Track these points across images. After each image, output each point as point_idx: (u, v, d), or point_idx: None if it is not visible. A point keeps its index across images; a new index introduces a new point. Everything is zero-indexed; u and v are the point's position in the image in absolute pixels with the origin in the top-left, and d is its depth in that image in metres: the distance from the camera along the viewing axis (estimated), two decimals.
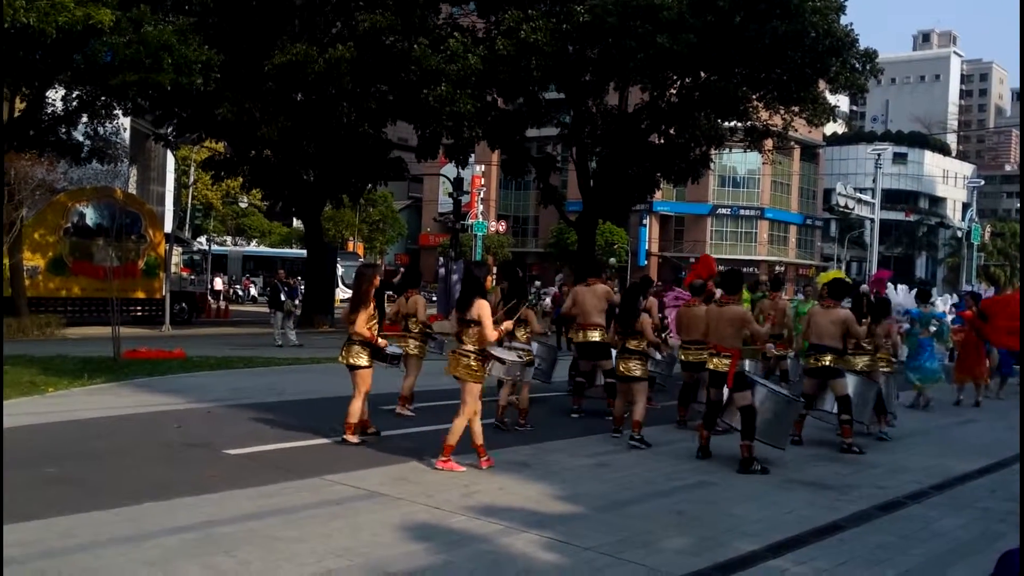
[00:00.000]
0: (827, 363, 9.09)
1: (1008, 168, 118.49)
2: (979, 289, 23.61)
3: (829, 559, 5.37)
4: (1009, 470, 8.81)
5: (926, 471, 8.34)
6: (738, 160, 58.61)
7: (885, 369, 10.47)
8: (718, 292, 10.03)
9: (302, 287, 23.91)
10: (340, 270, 44.76)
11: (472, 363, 7.22)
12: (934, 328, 12.79)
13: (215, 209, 56.14)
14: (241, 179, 29.02)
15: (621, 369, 8.93)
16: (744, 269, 59.06)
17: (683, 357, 10.07)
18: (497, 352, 7.69)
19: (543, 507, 6.14)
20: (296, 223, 54.73)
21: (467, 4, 27.16)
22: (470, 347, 7.26)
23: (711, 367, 8.31)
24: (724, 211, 64.37)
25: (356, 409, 8.14)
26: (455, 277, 29.39)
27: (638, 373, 8.84)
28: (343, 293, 43.83)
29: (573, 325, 10.93)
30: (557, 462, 7.71)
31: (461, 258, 31.54)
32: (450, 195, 34.83)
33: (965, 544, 5.90)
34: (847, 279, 14.68)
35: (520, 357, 8.42)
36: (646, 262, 61.78)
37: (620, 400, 9.17)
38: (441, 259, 31.29)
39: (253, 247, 56.96)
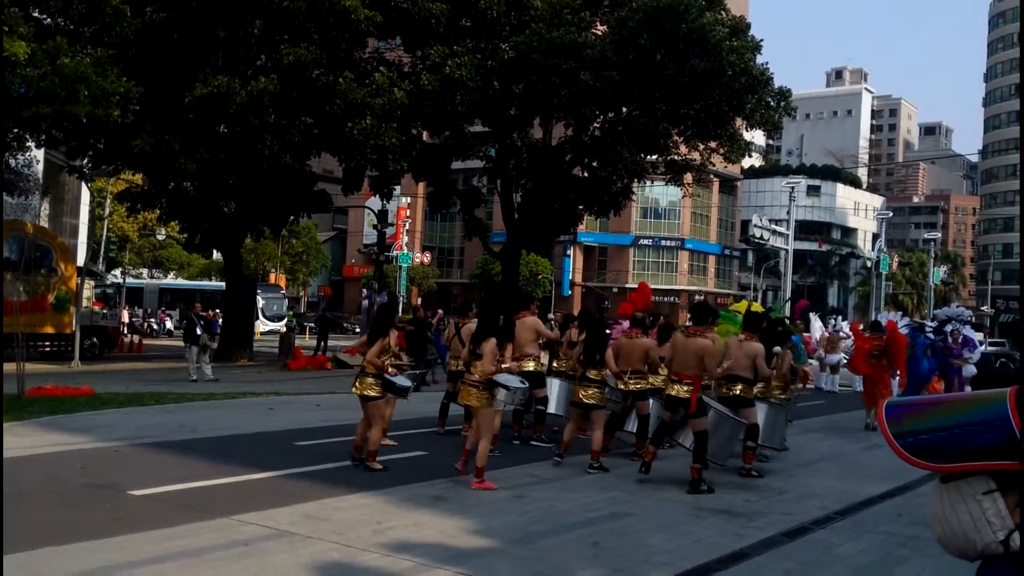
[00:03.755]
0: (737, 392, 9.36)
1: (916, 200, 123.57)
2: (887, 316, 24.50)
3: None
4: (914, 494, 9.12)
5: (832, 496, 8.58)
6: (660, 192, 59.87)
7: (781, 396, 10.82)
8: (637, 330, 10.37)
9: (220, 320, 23.42)
10: (261, 302, 44.02)
11: (481, 392, 8.21)
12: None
13: (131, 241, 54.69)
14: (158, 211, 28.39)
15: (580, 396, 9.26)
16: (664, 299, 60.19)
17: (620, 386, 10.21)
18: (501, 379, 8.35)
19: (457, 542, 6.12)
20: (216, 255, 53.75)
21: (393, 39, 27.26)
22: (477, 377, 8.18)
23: (671, 393, 8.73)
24: (646, 242, 65.53)
25: (376, 438, 8.64)
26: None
27: (595, 401, 9.21)
28: (264, 326, 43.13)
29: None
30: (473, 495, 7.69)
31: (384, 290, 31.34)
32: (374, 227, 34.65)
33: (865, 568, 6.08)
34: (759, 308, 15.13)
35: (522, 383, 8.93)
36: (570, 292, 62.37)
37: (571, 426, 9.52)
38: (364, 290, 31.05)
39: (170, 279, 55.63)
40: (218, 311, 24.01)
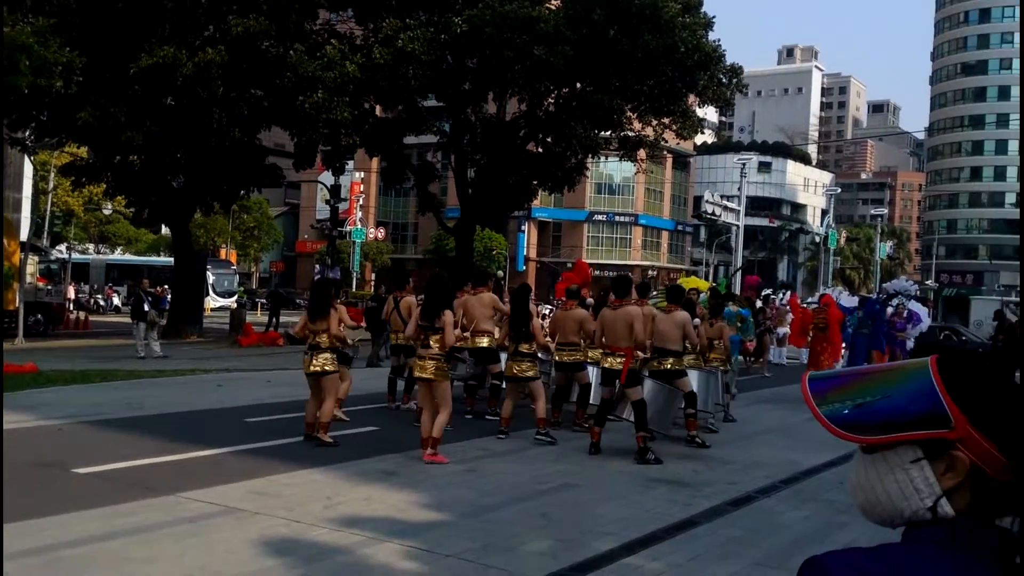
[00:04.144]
0: (669, 366, 9.50)
1: (864, 176, 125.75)
2: (835, 292, 25.00)
3: (682, 554, 5.59)
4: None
5: (778, 466, 8.78)
6: (614, 168, 60.02)
7: (721, 368, 11.18)
8: (589, 300, 10.54)
9: (168, 296, 23.04)
10: (211, 278, 43.38)
11: (441, 365, 8.16)
12: (739, 325, 13.60)
13: (76, 216, 53.44)
14: (104, 185, 27.76)
15: (515, 371, 9.36)
16: (619, 273, 60.65)
17: (557, 358, 10.32)
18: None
19: (408, 516, 6.15)
20: (165, 230, 52.81)
21: (345, 11, 26.85)
22: (438, 350, 8.08)
23: (605, 365, 8.90)
24: (600, 217, 65.79)
25: (329, 410, 8.65)
26: None
27: (531, 374, 9.38)
28: (214, 302, 42.52)
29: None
30: (425, 470, 7.72)
31: (338, 265, 31.09)
32: (327, 202, 34.32)
33: (807, 535, 6.25)
34: (704, 284, 15.44)
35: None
36: (524, 267, 62.48)
37: (508, 402, 9.56)
38: (317, 266, 30.79)
39: (118, 255, 54.54)
40: (166, 287, 23.59)
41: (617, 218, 66.04)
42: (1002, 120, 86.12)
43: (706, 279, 41.09)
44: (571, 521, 6.24)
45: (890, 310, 17.86)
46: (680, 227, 71.57)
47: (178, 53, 20.76)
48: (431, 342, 8.22)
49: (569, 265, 61.24)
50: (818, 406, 1.19)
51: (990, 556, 1.09)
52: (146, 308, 18.46)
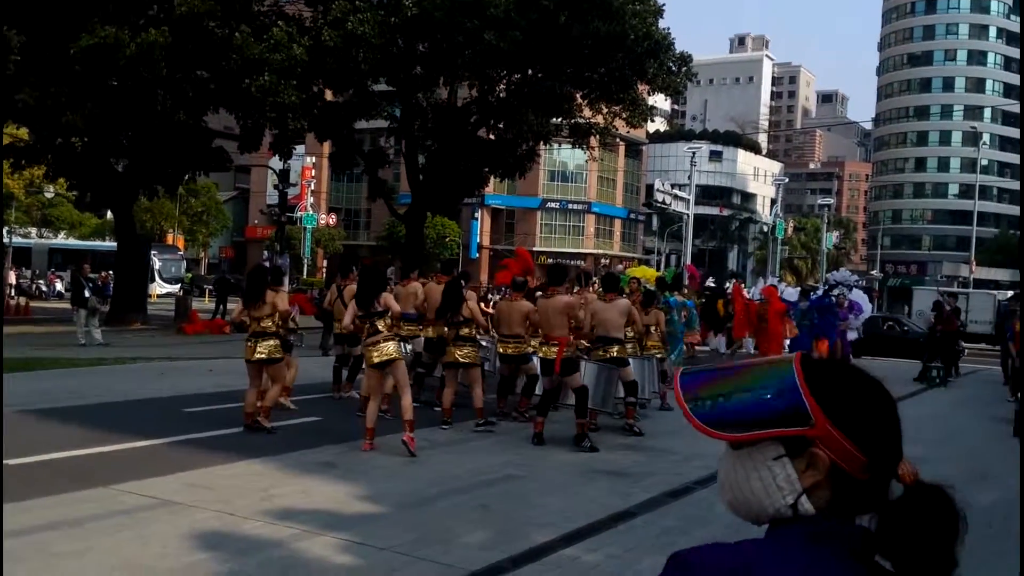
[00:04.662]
0: (614, 354, 9.55)
1: (812, 166, 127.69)
2: (779, 285, 25.39)
3: (619, 545, 5.64)
4: None
5: (717, 456, 8.88)
6: (567, 156, 60.12)
7: (658, 355, 11.31)
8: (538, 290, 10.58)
9: (111, 282, 22.58)
10: (157, 263, 42.62)
11: (394, 345, 8.13)
12: (684, 315, 13.79)
13: (17, 199, 52.02)
14: (45, 168, 27.05)
15: (456, 356, 9.32)
16: (571, 262, 60.86)
17: (501, 350, 10.29)
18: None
19: (344, 508, 6.11)
20: (111, 214, 51.68)
21: None
22: (387, 333, 8.09)
23: (541, 355, 8.94)
24: (553, 205, 65.87)
25: (274, 395, 8.68)
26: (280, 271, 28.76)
27: (471, 359, 9.37)
28: (160, 288, 41.79)
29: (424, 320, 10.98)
30: (366, 461, 7.68)
31: (287, 252, 30.74)
32: (276, 187, 33.86)
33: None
34: (653, 272, 15.58)
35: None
36: (477, 255, 62.36)
37: (449, 389, 9.49)
38: (266, 252, 30.41)
39: (61, 239, 53.26)
40: (110, 273, 23.11)
41: (570, 206, 66.20)
42: (946, 111, 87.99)
43: (658, 268, 41.50)
44: (511, 512, 6.26)
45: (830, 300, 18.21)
46: (633, 215, 72.01)
47: (120, 33, 20.26)
48: (379, 325, 8.11)
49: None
50: (687, 402, 1.20)
51: (848, 553, 1.11)
52: (87, 294, 18.06)
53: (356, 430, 8.51)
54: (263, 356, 8.61)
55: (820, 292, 18.60)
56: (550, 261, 58.11)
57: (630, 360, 9.94)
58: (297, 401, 10.28)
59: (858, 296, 20.01)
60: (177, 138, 24.01)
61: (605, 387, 9.29)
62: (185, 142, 24.57)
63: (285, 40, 21.54)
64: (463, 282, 10.23)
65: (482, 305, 12.34)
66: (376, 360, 8.11)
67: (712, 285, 24.49)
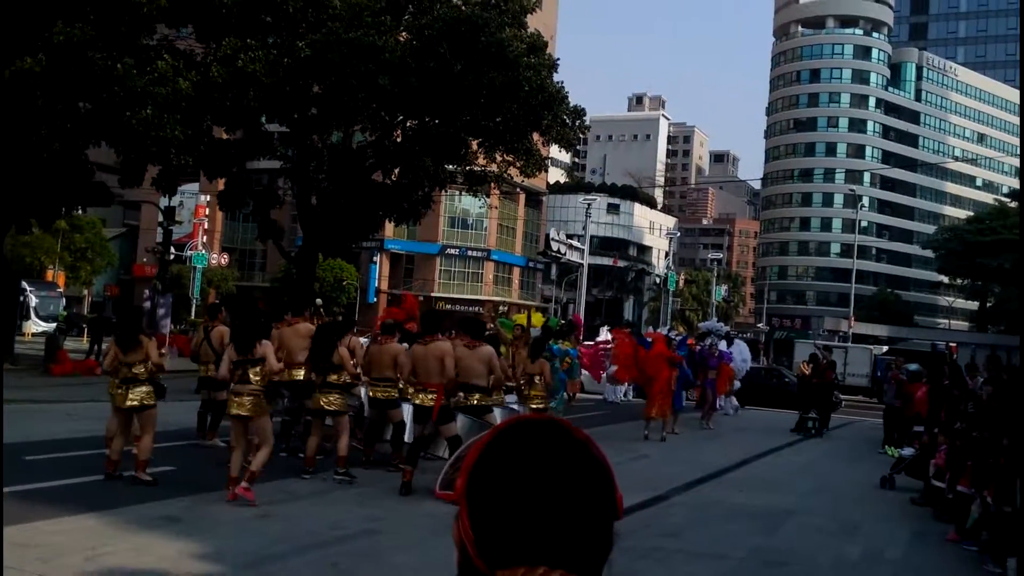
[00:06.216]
0: (475, 402, 9.33)
1: (705, 222, 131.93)
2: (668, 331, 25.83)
3: None
4: (668, 503, 9.51)
5: None
6: (468, 203, 60.33)
7: (539, 405, 11.11)
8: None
9: None
10: (33, 300, 40.53)
11: (260, 400, 7.79)
12: (567, 363, 13.85)
13: None
14: None
15: (322, 403, 8.97)
16: (470, 308, 60.82)
17: (371, 394, 9.95)
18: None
19: (179, 568, 5.66)
20: None
21: (186, 27, 25.79)
22: (257, 384, 7.72)
23: (417, 402, 8.71)
24: (453, 251, 65.83)
25: (147, 446, 8.17)
26: (160, 311, 27.68)
27: (338, 406, 8.99)
28: (36, 327, 39.64)
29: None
30: (214, 514, 7.20)
31: (169, 292, 29.60)
32: (160, 224, 32.72)
33: None
34: (540, 319, 15.55)
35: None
36: (376, 299, 61.63)
37: (314, 437, 9.13)
38: (147, 291, 29.26)
39: None
40: None
41: (470, 252, 66.30)
42: (829, 174, 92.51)
43: (555, 316, 41.78)
44: (362, 571, 5.94)
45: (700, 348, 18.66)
46: (532, 264, 72.59)
47: None
48: (250, 375, 7.77)
49: (421, 298, 60.91)
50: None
51: None
52: None
53: (212, 481, 8.02)
54: (135, 403, 8.12)
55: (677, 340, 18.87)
56: (448, 307, 57.99)
57: (494, 409, 9.73)
58: (155, 449, 9.67)
59: (737, 346, 20.48)
60: (52, 170, 22.90)
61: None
62: (61, 175, 23.46)
63: (170, 73, 20.93)
64: (344, 329, 9.95)
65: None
66: (233, 411, 7.78)
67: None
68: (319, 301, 14.63)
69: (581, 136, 27.78)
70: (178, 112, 20.86)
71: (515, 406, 11.39)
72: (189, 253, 49.49)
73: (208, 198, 55.60)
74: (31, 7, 21.47)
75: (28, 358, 24.63)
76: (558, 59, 25.79)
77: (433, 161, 27.22)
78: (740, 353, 21.69)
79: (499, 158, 27.00)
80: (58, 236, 50.07)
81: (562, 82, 25.55)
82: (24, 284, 38.68)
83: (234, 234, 67.65)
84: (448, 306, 61.89)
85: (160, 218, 32.81)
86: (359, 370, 9.66)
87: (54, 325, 38.57)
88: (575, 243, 39.08)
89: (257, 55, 22.07)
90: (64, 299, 48.36)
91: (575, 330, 17.20)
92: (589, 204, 39.74)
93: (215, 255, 61.07)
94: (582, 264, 39.48)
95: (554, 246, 37.12)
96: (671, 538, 7.71)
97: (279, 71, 22.60)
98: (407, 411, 9.74)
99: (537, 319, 17.09)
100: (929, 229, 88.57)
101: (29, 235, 39.78)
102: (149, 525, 6.65)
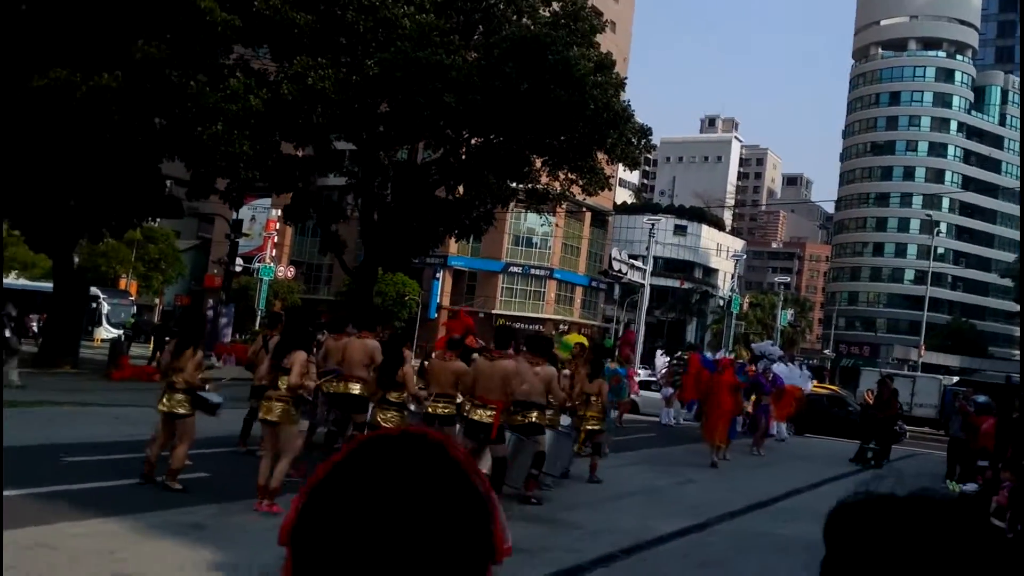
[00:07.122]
0: (533, 419, 9.22)
1: (774, 245, 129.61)
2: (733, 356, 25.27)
3: None
4: (708, 532, 9.18)
5: (627, 532, 8.49)
6: (533, 221, 60.42)
7: (595, 427, 11.00)
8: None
9: (34, 324, 21.86)
10: (106, 308, 41.76)
11: (289, 407, 7.75)
12: (615, 383, 13.62)
13: None
14: None
15: (379, 419, 9.00)
16: (531, 327, 60.69)
17: (430, 410, 9.86)
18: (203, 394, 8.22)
19: None
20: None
21: (261, 47, 26.43)
22: (282, 392, 7.74)
23: (474, 417, 8.59)
24: (516, 269, 65.92)
25: (182, 455, 8.14)
26: (223, 321, 28.23)
27: (394, 424, 8.91)
28: (107, 333, 40.78)
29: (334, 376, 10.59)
30: (239, 523, 7.16)
31: (232, 303, 30.21)
32: (227, 236, 33.45)
33: None
34: (583, 339, 15.37)
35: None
36: (436, 315, 61.99)
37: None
38: (210, 301, 29.91)
39: (12, 279, 52.20)
40: (34, 316, 22.40)
41: (532, 271, 66.29)
42: (905, 199, 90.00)
43: (608, 337, 41.40)
44: None
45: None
46: (594, 284, 72.20)
47: (72, 76, 19.97)
48: (280, 383, 7.83)
49: (482, 315, 61.03)
50: None
51: None
52: (7, 335, 17.37)
53: (243, 489, 8.00)
54: (165, 409, 8.24)
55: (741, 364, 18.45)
56: (509, 324, 58.22)
57: (546, 430, 9.64)
58: (193, 455, 9.74)
59: (780, 369, 19.86)
60: (125, 182, 23.61)
61: (525, 463, 9.08)
62: (134, 187, 24.16)
63: (242, 91, 21.42)
64: (402, 343, 10.02)
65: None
66: (262, 416, 7.84)
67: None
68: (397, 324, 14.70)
69: (647, 155, 27.48)
70: (247, 128, 21.34)
71: (566, 428, 11.28)
72: (257, 265, 50.55)
73: (279, 213, 56.79)
74: (112, 25, 22.22)
75: (93, 363, 25.35)
76: (626, 78, 25.59)
77: (496, 178, 27.28)
78: (790, 378, 20.94)
79: (562, 176, 26.94)
80: (132, 246, 51.63)
81: (628, 101, 25.39)
82: (97, 291, 39.88)
83: (302, 248, 68.92)
84: (509, 323, 61.69)
85: (228, 230, 33.56)
86: (420, 389, 9.66)
87: (120, 331, 39.79)
88: (637, 263, 38.69)
89: (326, 73, 22.45)
90: (135, 307, 49.82)
91: (624, 347, 16.91)
92: (653, 224, 39.34)
93: (282, 268, 62.25)
94: (643, 284, 39.02)
95: (615, 266, 36.81)
96: (705, 568, 7.42)
97: (348, 89, 22.98)
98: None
99: (576, 339, 16.88)
100: (1009, 257, 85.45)
101: (104, 244, 41.03)
102: (172, 531, 6.64)
